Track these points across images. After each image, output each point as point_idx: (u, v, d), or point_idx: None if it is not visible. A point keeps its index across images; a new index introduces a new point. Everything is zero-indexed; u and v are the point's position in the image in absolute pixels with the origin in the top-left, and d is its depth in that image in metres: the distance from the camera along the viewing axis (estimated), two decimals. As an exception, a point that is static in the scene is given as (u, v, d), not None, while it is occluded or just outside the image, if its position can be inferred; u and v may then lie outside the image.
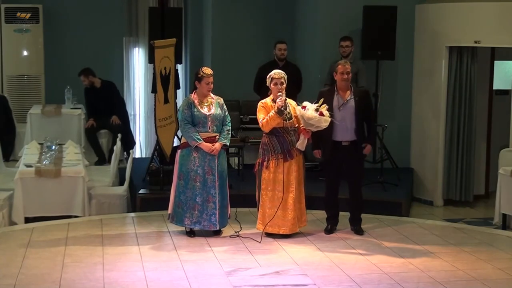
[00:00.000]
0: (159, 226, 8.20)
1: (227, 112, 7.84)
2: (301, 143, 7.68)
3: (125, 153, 10.82)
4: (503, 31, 9.59)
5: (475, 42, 9.72)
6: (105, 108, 11.14)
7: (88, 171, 8.97)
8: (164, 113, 8.53)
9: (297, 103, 7.74)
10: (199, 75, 7.66)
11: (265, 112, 7.66)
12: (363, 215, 8.13)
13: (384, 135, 9.79)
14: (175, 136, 9.02)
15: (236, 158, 10.28)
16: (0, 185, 8.99)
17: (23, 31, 11.98)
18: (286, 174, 7.63)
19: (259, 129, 7.86)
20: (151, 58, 8.92)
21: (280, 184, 7.64)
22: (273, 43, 10.07)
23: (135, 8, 12.85)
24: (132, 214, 8.82)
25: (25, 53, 12.09)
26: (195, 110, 7.63)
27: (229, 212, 7.89)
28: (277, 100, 7.57)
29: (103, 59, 12.19)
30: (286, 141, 7.66)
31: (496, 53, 10.31)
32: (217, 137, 7.70)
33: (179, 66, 10.55)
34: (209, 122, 7.65)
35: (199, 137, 7.60)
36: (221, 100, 7.84)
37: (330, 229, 8.01)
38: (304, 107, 7.56)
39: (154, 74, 8.65)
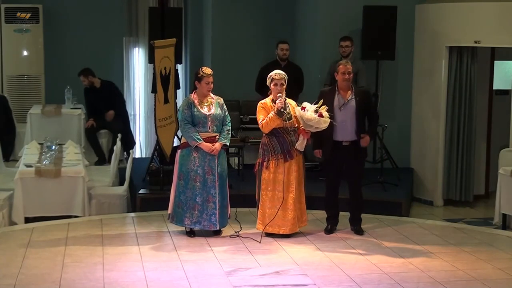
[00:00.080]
0: (159, 226, 8.19)
1: (227, 112, 7.83)
2: (300, 144, 7.68)
3: (125, 153, 10.81)
4: (503, 31, 9.58)
5: (475, 42, 9.72)
6: (105, 108, 11.15)
7: (88, 171, 8.96)
8: (164, 113, 8.53)
9: (297, 103, 7.74)
10: (199, 75, 7.66)
11: (265, 113, 7.65)
12: (363, 215, 8.12)
13: (384, 135, 9.80)
14: (175, 136, 9.02)
15: (236, 158, 10.27)
16: (0, 185, 8.99)
17: (23, 31, 11.98)
18: (286, 174, 7.63)
19: (259, 129, 7.84)
20: (151, 58, 8.91)
21: (280, 184, 7.63)
22: (275, 43, 10.07)
23: (135, 8, 12.84)
24: (132, 214, 8.81)
25: (25, 53, 12.09)
26: (195, 110, 7.63)
27: (229, 212, 7.88)
28: (277, 102, 7.56)
29: (103, 59, 12.18)
30: (286, 141, 7.66)
31: (496, 53, 10.31)
32: (217, 137, 7.69)
33: (179, 66, 10.55)
34: (209, 122, 7.64)
35: (199, 137, 7.59)
36: (221, 100, 7.84)
37: (330, 229, 8.01)
38: (303, 108, 7.55)
39: (154, 74, 8.65)
